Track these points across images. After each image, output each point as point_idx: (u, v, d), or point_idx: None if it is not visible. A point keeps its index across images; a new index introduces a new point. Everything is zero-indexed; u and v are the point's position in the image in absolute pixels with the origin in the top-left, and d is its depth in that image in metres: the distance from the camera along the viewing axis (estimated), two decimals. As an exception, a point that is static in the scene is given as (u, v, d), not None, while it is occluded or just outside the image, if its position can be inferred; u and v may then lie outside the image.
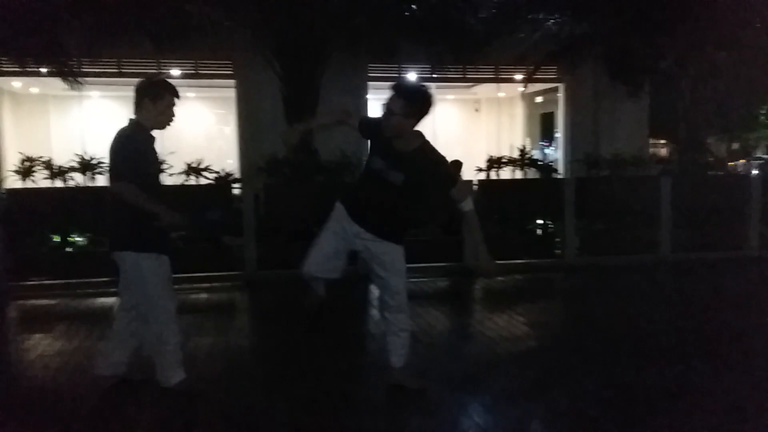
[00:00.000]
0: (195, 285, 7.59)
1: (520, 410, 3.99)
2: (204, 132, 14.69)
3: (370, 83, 12.60)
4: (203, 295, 7.29)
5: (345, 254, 4.07)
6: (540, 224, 9.51)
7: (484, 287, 7.67)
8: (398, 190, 3.80)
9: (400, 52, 10.93)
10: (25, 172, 7.81)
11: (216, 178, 8.42)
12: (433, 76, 12.42)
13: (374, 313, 6.63)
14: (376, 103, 13.48)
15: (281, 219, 8.22)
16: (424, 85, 3.95)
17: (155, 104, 3.89)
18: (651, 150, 17.92)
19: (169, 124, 4.03)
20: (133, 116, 3.93)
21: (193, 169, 8.16)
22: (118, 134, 3.91)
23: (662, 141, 21.78)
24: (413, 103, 3.69)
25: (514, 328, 5.81)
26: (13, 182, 7.93)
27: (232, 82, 12.44)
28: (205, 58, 12.11)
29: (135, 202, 3.75)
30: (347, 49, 10.10)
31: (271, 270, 7.87)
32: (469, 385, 4.38)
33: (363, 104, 12.43)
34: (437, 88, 14.84)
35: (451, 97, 15.91)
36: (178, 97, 4.01)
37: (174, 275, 7.48)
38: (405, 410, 3.95)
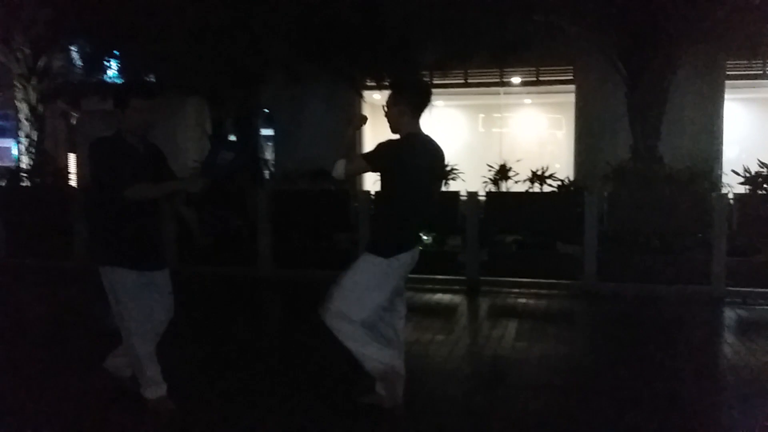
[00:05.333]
0: (532, 291, 7.72)
1: None
2: (537, 137, 14.83)
3: (728, 82, 11.33)
4: (542, 302, 7.35)
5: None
6: None
7: None
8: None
9: (763, 45, 9.61)
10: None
11: (559, 186, 8.43)
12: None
13: (732, 338, 5.96)
14: (733, 105, 12.07)
15: (624, 230, 7.93)
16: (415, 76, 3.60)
17: (124, 112, 3.72)
18: None
19: (144, 128, 3.79)
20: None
21: (537, 177, 8.28)
22: (95, 145, 3.80)
23: None
24: (398, 91, 3.72)
25: None
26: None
27: (571, 87, 12.36)
28: (546, 65, 12.24)
29: (155, 194, 3.74)
30: (702, 46, 9.27)
31: (611, 281, 7.64)
32: None
33: (719, 106, 11.24)
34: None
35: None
36: (147, 98, 3.73)
37: (508, 279, 7.81)
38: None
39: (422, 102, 3.75)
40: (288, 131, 13.55)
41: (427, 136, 3.80)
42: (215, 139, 10.68)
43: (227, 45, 9.10)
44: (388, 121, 3.77)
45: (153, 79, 11.13)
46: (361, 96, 12.84)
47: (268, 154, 13.80)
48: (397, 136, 3.78)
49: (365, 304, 3.65)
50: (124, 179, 3.62)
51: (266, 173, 11.49)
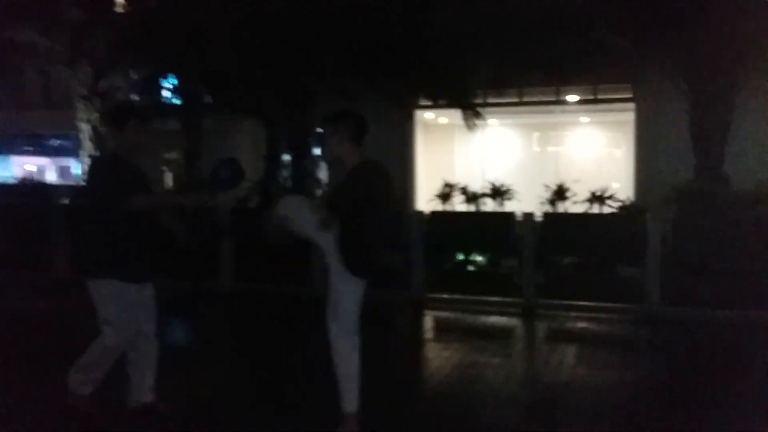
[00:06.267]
0: (591, 315, 7.47)
1: None
2: (595, 156, 14.53)
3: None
4: (602, 327, 7.10)
5: None
6: None
7: None
8: None
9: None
10: (445, 196, 8.71)
11: (620, 207, 8.18)
12: None
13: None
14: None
15: (689, 252, 7.60)
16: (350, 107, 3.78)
17: (121, 131, 3.86)
18: None
19: (141, 148, 3.96)
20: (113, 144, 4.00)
21: (596, 198, 8.05)
22: (94, 162, 3.92)
23: None
24: (334, 122, 3.75)
25: None
26: (435, 205, 8.92)
27: (630, 105, 12.08)
28: (604, 83, 12.01)
29: (157, 204, 3.87)
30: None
31: (676, 306, 7.32)
32: None
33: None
34: None
35: None
36: (143, 119, 3.96)
37: (566, 302, 7.57)
38: None
39: (359, 131, 3.78)
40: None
41: (376, 162, 3.80)
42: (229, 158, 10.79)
43: (281, 66, 9.23)
44: (327, 153, 3.81)
45: (209, 100, 11.40)
46: (410, 116, 12.84)
47: (321, 174, 13.88)
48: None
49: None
50: (123, 192, 3.72)
51: (318, 192, 11.55)
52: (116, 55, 10.56)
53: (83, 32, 10.43)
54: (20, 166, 18.22)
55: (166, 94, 11.96)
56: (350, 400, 3.73)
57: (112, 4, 10.53)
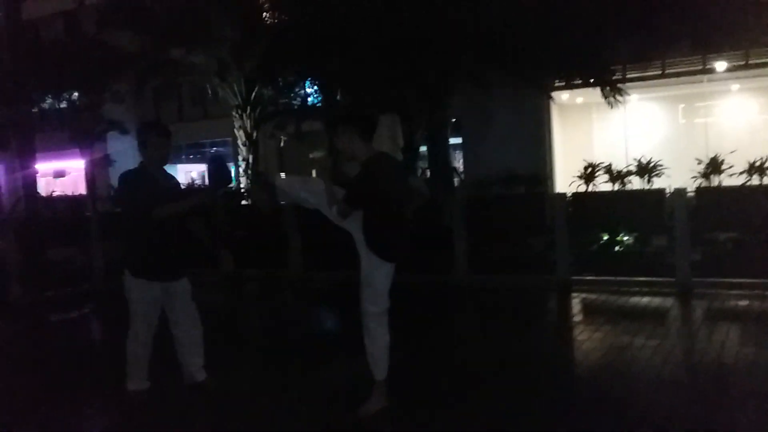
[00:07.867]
0: (755, 292, 7.08)
1: None
2: (749, 125, 13.53)
3: None
4: (765, 304, 6.73)
5: None
6: None
7: None
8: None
9: None
10: (588, 176, 8.58)
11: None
12: None
13: None
14: None
15: None
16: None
17: (146, 148, 4.27)
18: None
19: (164, 160, 4.36)
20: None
21: (756, 168, 7.59)
22: (122, 177, 4.34)
23: None
24: (344, 122, 3.99)
25: None
26: (576, 186, 8.80)
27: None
28: (756, 46, 11.17)
29: (179, 210, 4.19)
30: None
31: None
32: None
33: None
34: None
35: None
36: (163, 136, 4.31)
37: (726, 280, 7.19)
38: None
39: (368, 127, 4.00)
40: (477, 138, 13.69)
41: (387, 155, 3.99)
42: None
43: (416, 61, 9.47)
44: (341, 150, 4.01)
45: (343, 100, 11.93)
46: (550, 97, 12.62)
47: (457, 162, 14.05)
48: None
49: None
50: (145, 203, 4.15)
51: (455, 180, 11.73)
52: (265, 66, 11.34)
53: (236, 48, 11.30)
54: (185, 173, 20.02)
55: (309, 97, 12.67)
56: (381, 370, 4.06)
57: (261, 20, 11.31)
